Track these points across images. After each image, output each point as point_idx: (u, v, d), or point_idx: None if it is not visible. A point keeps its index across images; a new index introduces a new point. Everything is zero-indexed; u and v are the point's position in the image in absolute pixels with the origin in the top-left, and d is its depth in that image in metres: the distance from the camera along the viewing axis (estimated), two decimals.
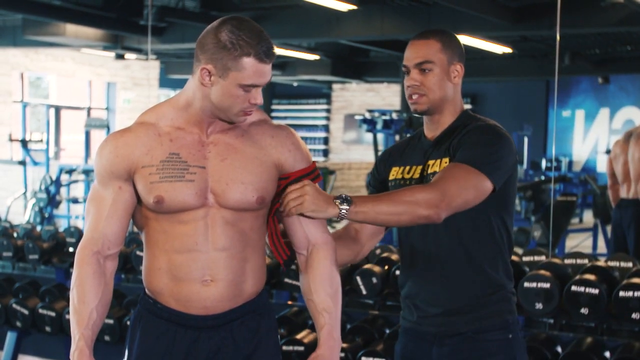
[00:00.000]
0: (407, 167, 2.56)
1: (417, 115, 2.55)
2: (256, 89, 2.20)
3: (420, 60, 2.50)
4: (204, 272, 2.24)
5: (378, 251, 4.84)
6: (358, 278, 4.23)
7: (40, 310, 4.86)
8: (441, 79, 2.51)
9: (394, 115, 11.76)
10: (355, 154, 20.37)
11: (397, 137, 12.05)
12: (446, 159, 2.45)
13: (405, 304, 2.60)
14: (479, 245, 2.46)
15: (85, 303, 2.22)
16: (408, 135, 2.62)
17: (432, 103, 2.51)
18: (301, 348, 4.03)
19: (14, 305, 4.96)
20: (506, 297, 2.50)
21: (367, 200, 2.25)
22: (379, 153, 12.38)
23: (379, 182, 2.68)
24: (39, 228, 6.41)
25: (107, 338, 4.60)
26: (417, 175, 2.52)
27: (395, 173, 2.58)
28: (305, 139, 19.77)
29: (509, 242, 2.52)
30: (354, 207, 2.22)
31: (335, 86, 20.81)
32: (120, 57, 15.22)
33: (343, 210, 2.21)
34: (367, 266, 4.28)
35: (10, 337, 5.09)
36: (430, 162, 2.49)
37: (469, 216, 2.42)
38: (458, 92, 2.58)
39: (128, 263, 5.17)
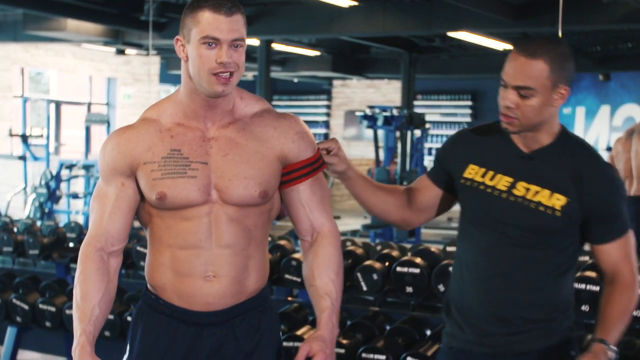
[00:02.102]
0: (491, 173, 2.38)
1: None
2: (220, 47, 2.14)
3: (520, 85, 2.26)
4: (206, 268, 2.23)
5: (379, 247, 4.84)
6: (359, 274, 4.23)
7: (41, 306, 4.86)
8: (541, 106, 2.27)
9: (395, 112, 11.75)
10: (355, 150, 20.35)
11: (397, 134, 12.04)
12: (558, 195, 2.30)
13: (455, 320, 2.43)
14: (550, 261, 2.35)
15: (88, 299, 2.22)
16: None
17: (524, 127, 2.31)
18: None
19: (14, 300, 4.95)
20: (570, 314, 2.42)
21: (607, 335, 2.28)
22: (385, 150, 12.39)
23: (443, 169, 2.52)
24: (39, 223, 6.41)
25: (107, 333, 4.60)
26: (502, 187, 2.36)
27: (472, 172, 2.41)
28: None
29: (578, 256, 2.46)
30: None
31: (335, 82, 20.79)
32: (120, 52, 15.19)
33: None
34: (367, 263, 4.27)
35: (10, 332, 5.09)
36: (523, 184, 2.33)
37: (549, 240, 2.34)
38: (557, 112, 2.36)
39: (129, 258, 5.17)
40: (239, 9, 2.17)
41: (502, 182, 2.36)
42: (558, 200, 2.29)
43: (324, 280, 2.28)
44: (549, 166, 2.33)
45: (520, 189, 2.33)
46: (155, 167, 2.22)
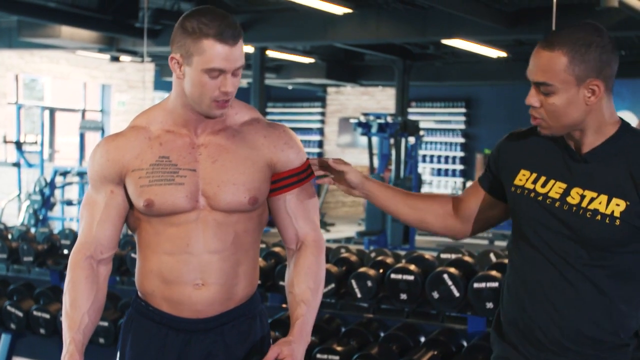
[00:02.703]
0: (543, 178, 2.14)
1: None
2: (224, 76, 2.13)
3: (538, 80, 2.03)
4: (195, 276, 2.23)
5: (373, 254, 4.85)
6: (353, 281, 4.23)
7: (35, 312, 4.86)
8: (566, 104, 2.03)
9: (389, 119, 11.77)
10: (350, 157, 20.36)
11: (391, 141, 12.06)
12: (617, 200, 2.05)
13: (510, 343, 2.20)
14: (613, 278, 2.09)
15: (77, 307, 2.22)
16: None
17: (555, 129, 2.08)
18: None
19: (9, 307, 4.95)
20: (639, 343, 2.15)
21: None
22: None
23: (493, 175, 2.30)
24: (33, 230, 6.41)
25: (101, 340, 4.60)
26: (554, 195, 2.11)
27: (523, 178, 2.17)
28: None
29: None
30: None
31: (330, 89, 20.81)
32: (115, 59, 15.20)
33: None
34: (362, 269, 4.28)
35: (4, 339, 5.09)
36: (578, 190, 2.08)
37: (610, 255, 2.08)
38: (601, 108, 2.08)
39: (123, 265, 5.17)
40: (241, 34, 2.15)
41: (554, 188, 2.11)
42: (617, 206, 2.03)
43: (302, 288, 2.26)
44: (605, 168, 2.07)
45: (575, 195, 2.08)
46: (143, 174, 2.21)
